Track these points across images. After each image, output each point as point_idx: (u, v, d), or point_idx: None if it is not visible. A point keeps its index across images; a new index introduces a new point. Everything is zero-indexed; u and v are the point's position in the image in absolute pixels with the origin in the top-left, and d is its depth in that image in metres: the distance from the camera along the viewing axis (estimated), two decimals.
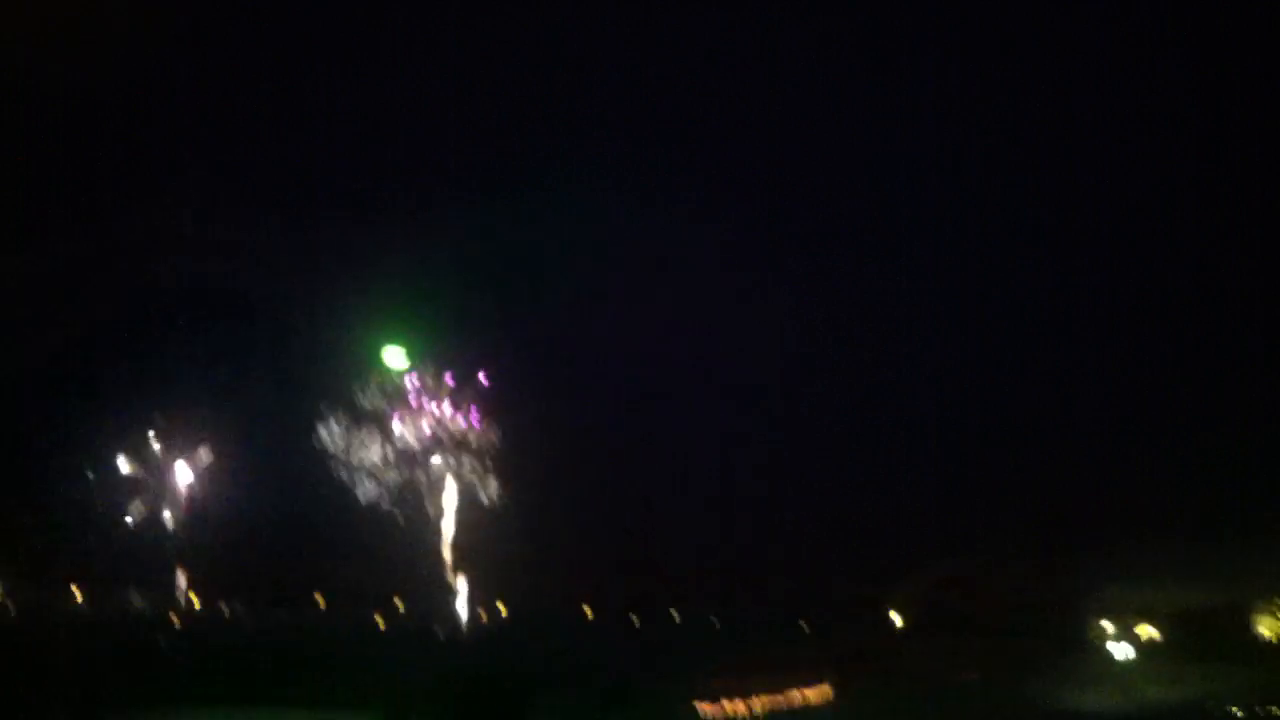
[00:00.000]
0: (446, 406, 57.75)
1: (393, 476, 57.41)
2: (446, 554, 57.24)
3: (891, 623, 57.94)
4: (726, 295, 63.22)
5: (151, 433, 59.75)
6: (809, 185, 67.62)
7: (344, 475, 57.12)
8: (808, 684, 51.61)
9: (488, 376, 57.55)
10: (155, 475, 59.91)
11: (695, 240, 62.57)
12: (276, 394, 58.11)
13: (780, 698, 50.65)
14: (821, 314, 63.16)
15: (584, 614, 60.77)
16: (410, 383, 57.68)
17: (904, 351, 63.88)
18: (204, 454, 59.87)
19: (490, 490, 57.44)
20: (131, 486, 59.83)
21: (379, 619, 59.18)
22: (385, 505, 57.04)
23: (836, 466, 59.07)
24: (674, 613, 60.07)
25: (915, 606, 56.87)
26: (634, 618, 60.38)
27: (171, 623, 59.24)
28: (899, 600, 57.34)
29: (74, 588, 62.73)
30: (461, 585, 57.66)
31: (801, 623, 58.13)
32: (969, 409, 60.98)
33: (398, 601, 59.37)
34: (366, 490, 57.07)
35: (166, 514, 59.96)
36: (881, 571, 56.64)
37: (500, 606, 60.35)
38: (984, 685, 49.91)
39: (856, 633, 57.00)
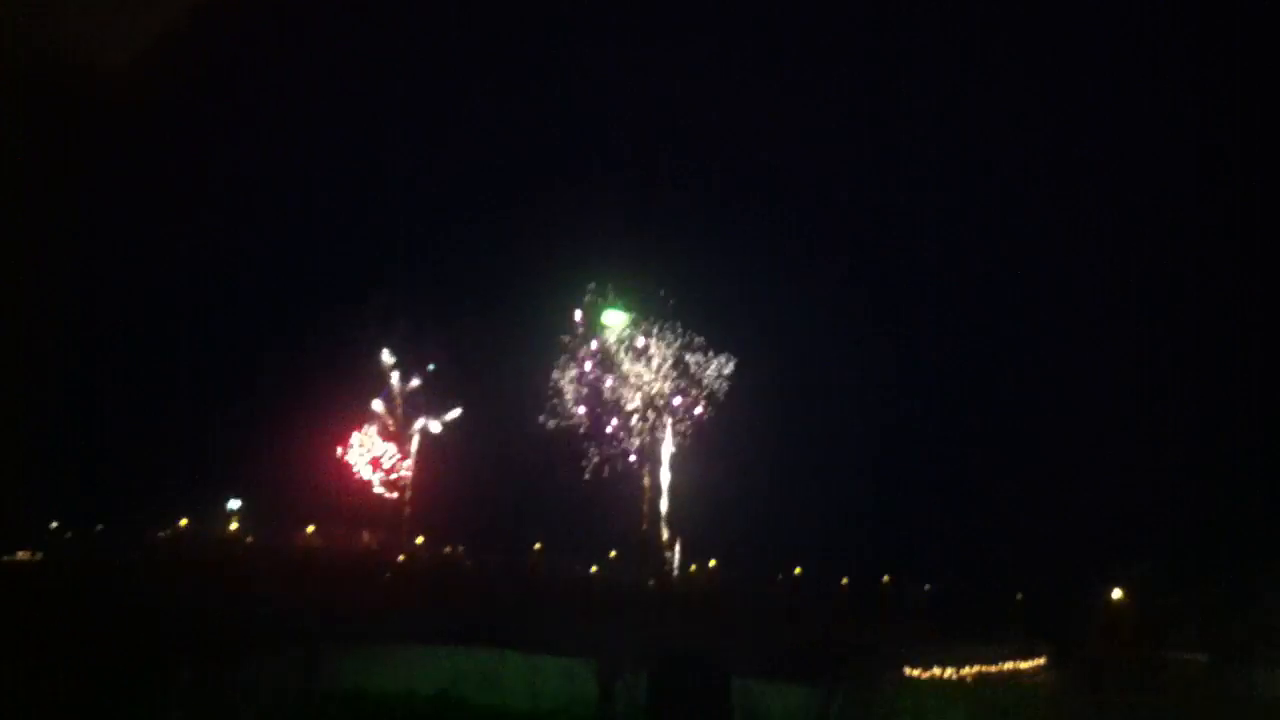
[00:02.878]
0: (668, 366, 59.19)
1: (615, 436, 59.26)
2: (664, 513, 58.84)
3: (1114, 600, 56.82)
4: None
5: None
6: None
7: (567, 434, 59.38)
8: (1023, 655, 51.36)
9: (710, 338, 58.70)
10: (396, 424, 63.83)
11: None
12: (503, 355, 60.88)
13: (993, 667, 50.51)
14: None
15: (794, 577, 61.79)
16: (631, 342, 59.33)
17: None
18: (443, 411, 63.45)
19: (709, 450, 58.73)
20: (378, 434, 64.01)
21: (594, 570, 61.48)
22: (607, 464, 58.98)
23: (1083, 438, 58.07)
24: (885, 579, 60.44)
25: (1144, 589, 55.57)
26: (844, 581, 61.09)
27: (396, 560, 62.89)
28: (1129, 582, 56.09)
29: (310, 527, 67.50)
30: (675, 544, 59.21)
31: (1019, 595, 57.71)
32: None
33: (613, 555, 61.48)
34: (587, 449, 59.13)
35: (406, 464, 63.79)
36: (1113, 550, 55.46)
37: (712, 564, 61.89)
38: (1212, 665, 48.62)
39: (1077, 608, 56.19)
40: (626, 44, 70.09)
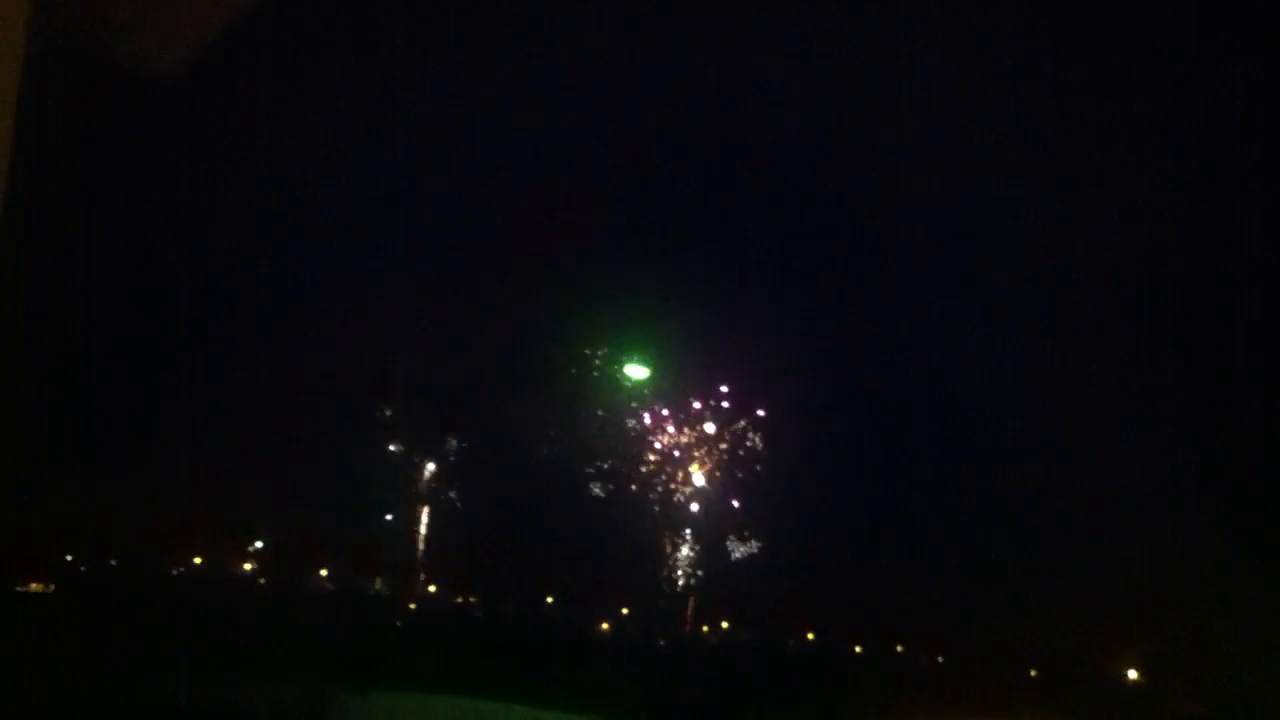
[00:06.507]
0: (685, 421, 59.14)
1: (632, 487, 59.11)
2: (679, 569, 58.54)
3: (1123, 676, 56.06)
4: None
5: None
6: None
7: (585, 485, 59.20)
8: None
9: (732, 394, 58.69)
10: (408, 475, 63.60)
11: None
12: (521, 404, 60.91)
13: None
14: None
15: (805, 639, 61.22)
16: (653, 396, 59.32)
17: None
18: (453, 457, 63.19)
19: (728, 507, 58.52)
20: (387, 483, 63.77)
21: (605, 626, 61.03)
22: (622, 517, 58.78)
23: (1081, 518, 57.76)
24: (899, 648, 59.84)
25: (1153, 660, 54.80)
26: (857, 649, 60.49)
27: (407, 606, 62.55)
28: (1135, 655, 55.37)
29: (322, 570, 67.48)
30: (688, 601, 58.86)
31: (1033, 670, 56.93)
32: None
33: (625, 613, 61.10)
34: (604, 500, 58.96)
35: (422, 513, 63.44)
36: (1118, 624, 54.89)
37: (724, 624, 61.43)
38: None
39: (1084, 683, 55.38)
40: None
